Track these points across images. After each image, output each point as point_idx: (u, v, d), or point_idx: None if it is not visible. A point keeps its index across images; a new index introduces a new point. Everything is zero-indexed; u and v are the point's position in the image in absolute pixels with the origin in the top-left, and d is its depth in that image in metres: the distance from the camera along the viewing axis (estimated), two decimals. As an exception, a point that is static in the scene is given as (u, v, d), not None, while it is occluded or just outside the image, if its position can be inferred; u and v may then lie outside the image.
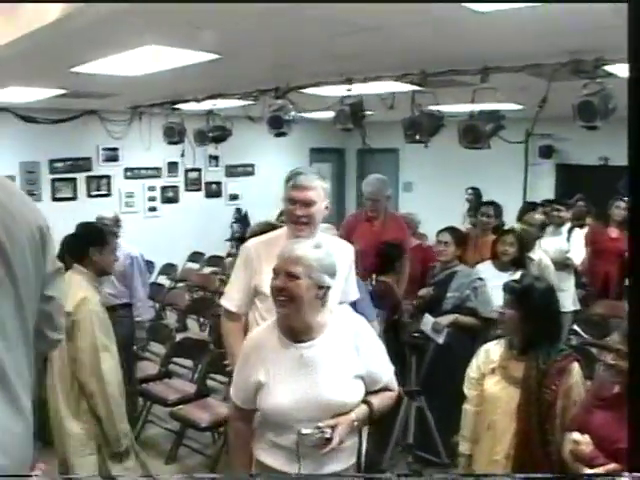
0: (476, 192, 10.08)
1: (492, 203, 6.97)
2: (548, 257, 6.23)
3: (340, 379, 2.66)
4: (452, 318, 4.81)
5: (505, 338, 3.44)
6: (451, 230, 5.35)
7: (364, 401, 2.71)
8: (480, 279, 5.02)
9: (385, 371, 2.81)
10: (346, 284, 3.51)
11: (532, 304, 3.30)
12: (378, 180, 6.25)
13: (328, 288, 2.68)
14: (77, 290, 3.92)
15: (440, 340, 4.61)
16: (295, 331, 2.68)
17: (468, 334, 4.83)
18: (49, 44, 4.26)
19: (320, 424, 2.54)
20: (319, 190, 3.32)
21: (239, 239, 5.96)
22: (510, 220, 7.52)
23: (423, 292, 5.29)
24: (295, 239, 3.00)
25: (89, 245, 4.11)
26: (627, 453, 1.68)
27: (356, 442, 2.77)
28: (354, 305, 3.59)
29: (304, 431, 2.53)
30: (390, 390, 2.86)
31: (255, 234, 4.01)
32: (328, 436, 2.53)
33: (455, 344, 4.69)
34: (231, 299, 3.54)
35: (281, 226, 3.76)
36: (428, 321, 4.67)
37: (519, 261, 5.40)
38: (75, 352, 3.83)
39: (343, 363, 2.68)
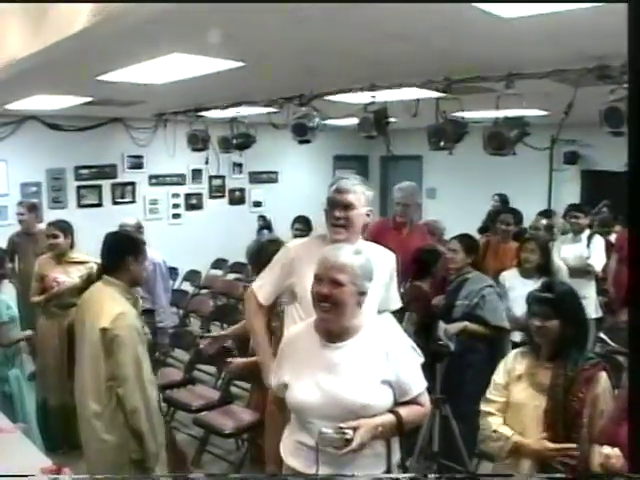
0: (502, 198, 10.00)
1: (511, 210, 6.95)
2: (561, 261, 6.20)
3: (365, 381, 2.67)
4: (461, 326, 4.76)
5: (530, 345, 3.40)
6: (460, 237, 5.31)
7: (391, 411, 2.70)
8: (490, 287, 4.94)
9: (415, 383, 2.79)
10: (387, 292, 3.50)
11: (570, 311, 3.26)
12: (410, 186, 6.34)
13: (365, 293, 2.74)
14: (112, 304, 3.84)
15: (452, 347, 4.58)
16: (332, 333, 2.74)
17: (481, 342, 4.79)
18: (76, 53, 4.29)
19: (341, 424, 2.55)
20: (359, 195, 3.35)
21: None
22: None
23: (436, 300, 5.27)
24: (335, 245, 2.98)
25: (126, 254, 3.99)
26: (627, 453, 1.65)
27: (382, 451, 2.75)
28: None
29: (324, 430, 2.53)
30: (421, 405, 2.83)
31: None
32: (348, 437, 2.52)
33: (469, 351, 4.67)
34: (263, 290, 3.59)
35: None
36: (441, 328, 4.64)
37: (543, 268, 5.36)
38: (116, 367, 3.73)
39: (370, 366, 2.69)
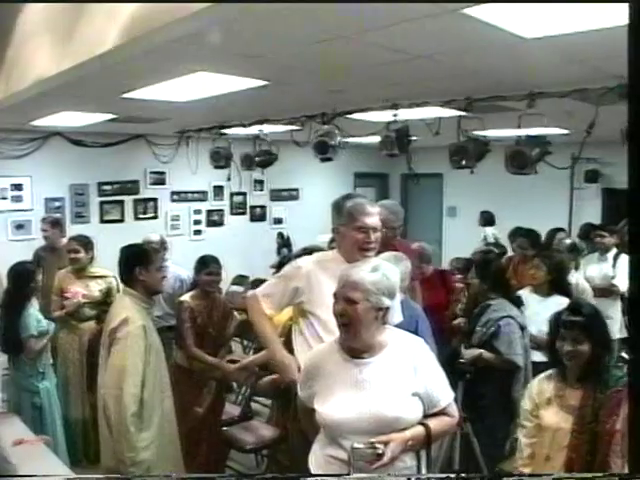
0: (485, 217, 10.23)
1: (526, 233, 6.92)
2: (586, 281, 6.17)
3: (395, 395, 2.71)
4: (476, 353, 4.67)
5: (556, 367, 3.39)
6: (477, 263, 5.34)
7: (421, 423, 2.73)
8: (509, 317, 4.76)
9: (444, 394, 2.84)
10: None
11: (599, 334, 3.26)
12: (397, 207, 5.72)
13: (387, 309, 2.76)
14: (121, 310, 4.07)
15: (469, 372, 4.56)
16: (356, 350, 2.77)
17: (495, 371, 4.72)
18: (102, 72, 4.34)
19: (372, 439, 2.58)
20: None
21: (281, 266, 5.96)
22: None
23: (456, 322, 5.29)
24: (356, 262, 3.03)
25: (134, 265, 4.19)
26: (627, 453, 1.65)
27: (413, 465, 2.78)
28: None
29: (356, 445, 2.56)
30: (449, 416, 2.87)
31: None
32: (380, 452, 2.56)
33: (487, 379, 4.63)
34: (269, 301, 3.67)
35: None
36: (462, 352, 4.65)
37: (556, 285, 5.33)
38: (107, 370, 3.97)
39: (400, 380, 2.74)
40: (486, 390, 4.63)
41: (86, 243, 5.94)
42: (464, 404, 4.52)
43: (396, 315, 3.61)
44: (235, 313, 5.77)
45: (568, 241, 6.92)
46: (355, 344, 2.76)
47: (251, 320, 3.87)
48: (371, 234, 3.40)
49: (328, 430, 2.77)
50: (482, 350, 4.69)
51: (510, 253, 7.45)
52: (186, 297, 5.33)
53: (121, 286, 4.38)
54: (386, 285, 2.76)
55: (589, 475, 3.09)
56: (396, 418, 2.67)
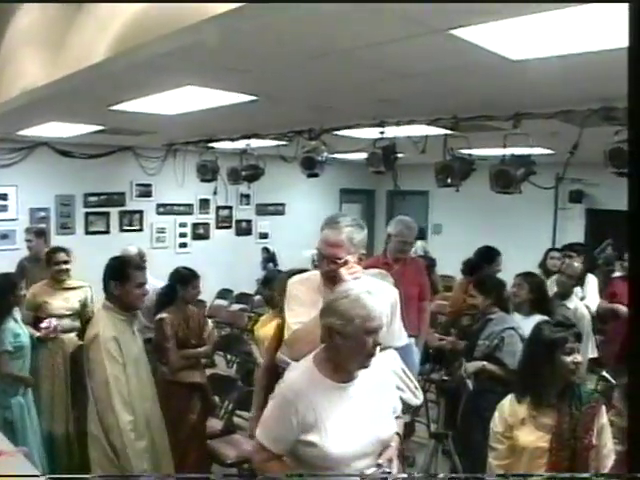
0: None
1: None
2: (585, 308, 6.17)
3: (384, 413, 2.77)
4: (479, 365, 4.75)
5: (532, 389, 3.40)
6: (475, 281, 5.37)
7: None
8: (511, 329, 4.83)
9: (400, 402, 2.97)
10: (388, 329, 3.36)
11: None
12: (413, 223, 6.18)
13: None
14: (94, 326, 4.11)
15: (470, 386, 4.59)
16: (340, 372, 2.72)
17: (498, 383, 4.75)
18: (91, 84, 4.36)
19: (379, 461, 2.64)
20: (347, 246, 3.19)
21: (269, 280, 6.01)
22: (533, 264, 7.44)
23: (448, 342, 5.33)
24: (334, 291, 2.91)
25: (110, 279, 4.18)
26: (627, 453, 1.68)
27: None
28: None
29: (368, 472, 2.59)
30: (399, 417, 2.97)
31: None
32: (389, 470, 2.63)
33: (486, 392, 4.65)
34: None
35: None
36: (462, 366, 4.67)
37: (538, 305, 5.34)
38: (92, 386, 4.00)
39: (384, 398, 2.79)
40: (481, 410, 4.64)
41: (69, 254, 5.95)
42: (445, 421, 4.55)
43: (397, 337, 3.57)
44: (209, 321, 5.81)
45: (577, 264, 6.85)
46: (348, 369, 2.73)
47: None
48: (325, 264, 3.22)
49: (329, 462, 2.64)
50: (485, 362, 4.75)
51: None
52: (164, 314, 5.28)
53: (96, 296, 4.36)
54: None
55: (587, 475, 3.12)
56: (390, 437, 2.74)
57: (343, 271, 3.13)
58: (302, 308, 3.27)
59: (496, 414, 3.46)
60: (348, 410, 2.68)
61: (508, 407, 3.40)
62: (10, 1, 4.86)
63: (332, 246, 3.19)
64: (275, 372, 3.70)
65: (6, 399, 4.86)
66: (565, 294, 6.05)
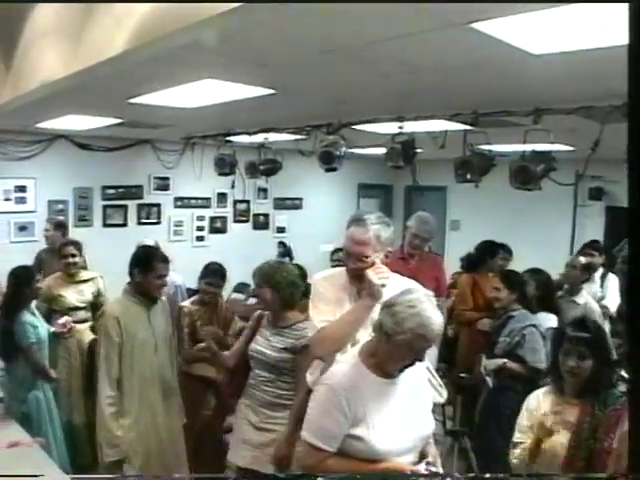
0: None
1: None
2: (595, 303, 6.11)
3: (425, 409, 2.84)
4: (500, 363, 4.74)
5: (553, 384, 3.38)
6: (502, 274, 5.31)
7: None
8: (533, 326, 4.85)
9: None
10: None
11: (604, 351, 3.27)
12: (432, 219, 6.19)
13: None
14: (107, 305, 4.58)
15: (490, 383, 4.57)
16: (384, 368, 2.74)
17: (519, 381, 4.72)
18: (110, 77, 4.35)
19: (429, 459, 2.71)
20: (374, 244, 3.19)
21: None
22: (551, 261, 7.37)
23: (481, 325, 5.28)
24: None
25: (134, 266, 4.43)
26: (627, 453, 1.65)
27: None
28: None
29: (420, 470, 2.64)
30: None
31: None
32: (434, 469, 2.67)
33: (506, 389, 4.63)
34: None
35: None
36: (482, 363, 4.64)
37: (544, 302, 5.30)
38: None
39: (424, 394, 2.88)
40: (500, 408, 4.62)
41: (80, 248, 6.02)
42: (479, 419, 4.53)
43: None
44: (237, 319, 5.76)
45: (582, 259, 6.80)
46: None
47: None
48: (352, 262, 3.21)
49: (374, 456, 2.66)
50: (506, 360, 4.72)
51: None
52: (186, 302, 5.37)
53: (108, 285, 4.48)
54: None
55: (591, 475, 3.09)
56: (430, 433, 2.81)
57: (371, 274, 3.10)
58: (327, 306, 3.24)
59: (523, 407, 3.46)
60: (393, 405, 2.71)
61: (534, 401, 3.42)
62: (23, 1, 4.87)
63: (359, 244, 3.18)
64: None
65: (23, 393, 4.91)
66: (573, 290, 5.98)
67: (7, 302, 5.07)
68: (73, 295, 5.85)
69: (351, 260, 3.21)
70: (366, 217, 3.23)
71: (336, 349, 3.07)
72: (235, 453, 4.21)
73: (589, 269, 6.76)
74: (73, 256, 5.93)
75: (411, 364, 2.67)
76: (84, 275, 6.07)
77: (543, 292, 5.34)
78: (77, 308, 5.83)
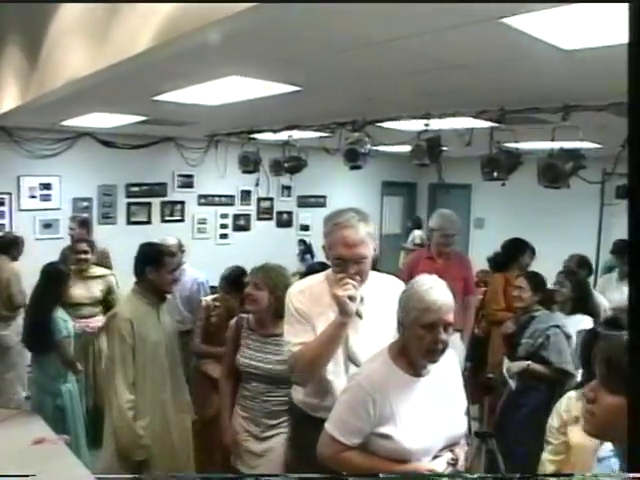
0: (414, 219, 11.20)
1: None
2: (602, 297, 6.05)
3: (456, 410, 2.81)
4: (524, 365, 4.67)
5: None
6: (527, 275, 5.24)
7: None
8: (557, 327, 4.77)
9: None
10: None
11: None
12: (455, 215, 6.24)
13: None
14: (118, 306, 4.51)
15: (512, 385, 4.51)
16: (413, 366, 2.73)
17: (542, 382, 4.66)
18: (135, 74, 4.36)
19: (453, 457, 2.71)
20: (368, 242, 3.08)
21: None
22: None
23: (504, 328, 5.23)
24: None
25: (146, 264, 4.37)
26: (627, 453, 1.61)
27: None
28: None
29: (439, 467, 2.66)
30: None
31: None
32: (458, 467, 2.69)
33: (530, 390, 4.57)
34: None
35: None
36: (505, 364, 4.59)
37: (580, 303, 5.22)
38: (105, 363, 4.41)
39: (456, 394, 2.84)
40: (522, 410, 4.57)
41: (92, 245, 6.18)
42: (498, 421, 4.48)
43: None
44: None
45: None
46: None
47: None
48: (351, 267, 3.03)
49: (401, 455, 2.64)
50: (529, 361, 4.67)
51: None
52: (208, 298, 5.40)
53: (122, 282, 4.57)
54: None
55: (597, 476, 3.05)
56: (461, 435, 2.78)
57: (335, 289, 2.99)
58: (305, 325, 3.10)
59: (554, 409, 3.46)
60: (421, 404, 2.68)
61: (565, 403, 3.42)
62: (47, 1, 4.88)
63: (355, 246, 3.04)
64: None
65: (57, 386, 5.06)
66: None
67: (41, 297, 5.23)
68: (80, 291, 5.97)
69: (348, 266, 3.04)
70: (349, 217, 3.08)
71: (313, 373, 3.00)
72: (238, 460, 4.01)
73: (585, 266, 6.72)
74: (85, 252, 6.14)
75: (435, 349, 2.61)
76: (94, 272, 6.22)
77: (579, 294, 5.27)
78: (83, 304, 5.98)
